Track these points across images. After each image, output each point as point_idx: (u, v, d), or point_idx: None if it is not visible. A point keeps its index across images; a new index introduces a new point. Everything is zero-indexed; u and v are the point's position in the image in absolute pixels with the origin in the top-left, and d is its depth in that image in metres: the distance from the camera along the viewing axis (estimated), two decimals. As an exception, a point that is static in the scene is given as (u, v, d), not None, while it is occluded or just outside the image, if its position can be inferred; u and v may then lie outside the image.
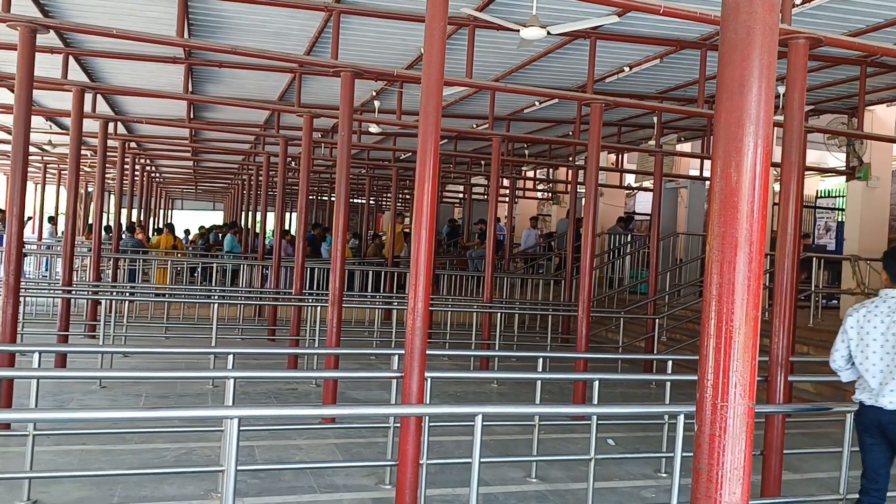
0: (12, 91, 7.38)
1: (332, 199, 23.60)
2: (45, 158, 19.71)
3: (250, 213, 19.24)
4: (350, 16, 7.30)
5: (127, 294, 10.52)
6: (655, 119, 10.98)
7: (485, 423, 3.57)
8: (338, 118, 7.39)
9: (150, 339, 10.20)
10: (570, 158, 14.77)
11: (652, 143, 11.05)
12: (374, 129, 11.76)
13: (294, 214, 28.59)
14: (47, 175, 22.22)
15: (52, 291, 10.71)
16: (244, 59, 8.89)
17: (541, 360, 5.55)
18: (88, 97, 10.31)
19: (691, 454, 2.08)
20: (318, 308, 8.85)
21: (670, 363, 5.99)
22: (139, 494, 4.67)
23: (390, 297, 11.87)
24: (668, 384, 5.56)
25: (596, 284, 13.02)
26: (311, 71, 9.34)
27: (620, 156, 16.27)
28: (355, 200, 24.99)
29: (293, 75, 9.69)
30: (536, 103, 10.89)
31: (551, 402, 7.37)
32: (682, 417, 3.79)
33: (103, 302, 8.94)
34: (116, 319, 8.85)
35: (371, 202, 23.77)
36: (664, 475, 5.61)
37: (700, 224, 14.20)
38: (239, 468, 3.21)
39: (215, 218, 35.68)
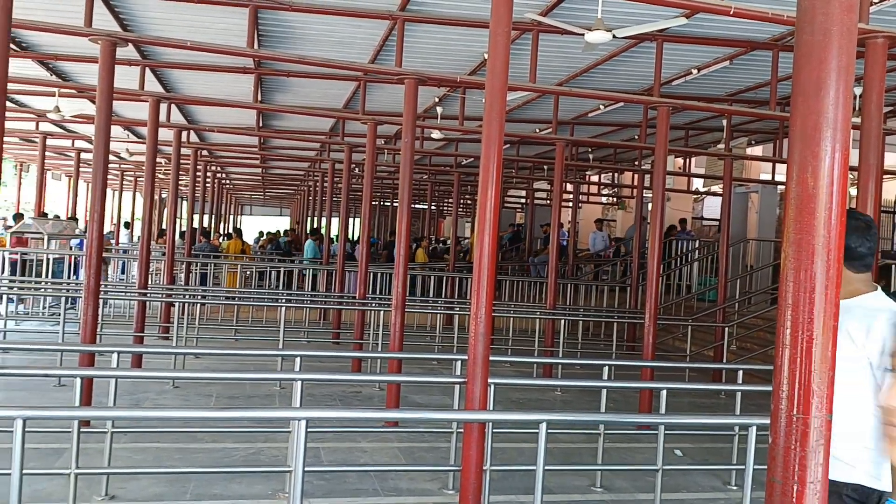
0: (94, 102, 7.75)
1: (395, 204, 23.92)
2: (122, 166, 20.58)
3: (316, 219, 19.62)
4: (414, 23, 7.37)
5: (199, 297, 10.86)
6: (725, 122, 10.70)
7: (549, 431, 3.54)
8: (401, 125, 7.49)
9: (221, 340, 10.49)
10: (636, 162, 14.53)
11: (721, 146, 10.76)
12: (436, 134, 11.83)
13: (357, 220, 29.04)
14: (124, 182, 23.19)
15: (128, 294, 11.15)
16: (311, 68, 9.09)
17: (606, 368, 5.46)
18: (164, 107, 10.73)
19: (764, 467, 2.02)
20: (382, 312, 8.96)
21: (741, 373, 5.82)
22: (210, 492, 4.81)
23: (452, 302, 11.90)
24: (739, 395, 5.40)
25: (663, 291, 12.77)
26: (376, 79, 9.47)
27: (688, 160, 15.93)
28: (417, 206, 25.18)
29: (358, 83, 9.84)
30: (601, 107, 10.76)
31: (616, 411, 7.25)
32: (753, 429, 3.67)
33: (177, 304, 9.26)
34: (189, 321, 9.16)
35: (433, 207, 23.90)
36: (734, 488, 5.44)
37: (772, 229, 13.74)
38: (306, 469, 3.27)
39: (283, 223, 36.52)
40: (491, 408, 4.32)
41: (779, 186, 14.40)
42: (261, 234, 24.46)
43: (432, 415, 4.72)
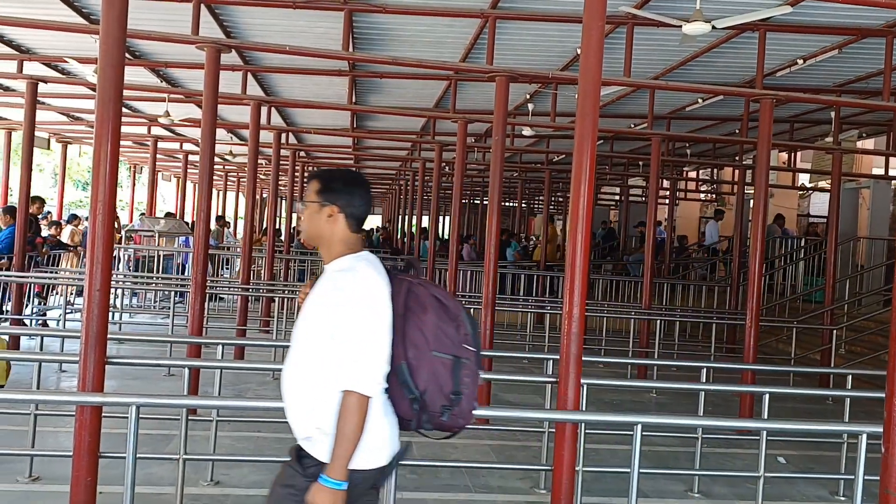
0: (200, 106, 8.15)
1: (485, 202, 23.94)
2: (226, 167, 21.54)
3: (406, 217, 19.90)
4: (506, 21, 7.36)
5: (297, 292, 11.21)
6: (833, 114, 10.12)
7: (644, 434, 3.46)
8: (491, 122, 7.49)
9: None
10: (737, 158, 13.96)
11: (829, 139, 10.18)
12: (527, 131, 11.75)
13: (447, 218, 29.27)
14: (228, 182, 24.27)
15: (231, 289, 11.65)
16: (403, 69, 9.22)
17: (704, 371, 5.28)
18: (264, 110, 11.15)
19: (875, 477, 1.90)
20: (471, 310, 8.99)
21: (850, 378, 5.49)
22: (307, 481, 4.96)
23: (543, 301, 11.80)
24: (848, 401, 5.10)
25: (765, 291, 12.22)
26: (467, 77, 9.51)
27: (793, 154, 15.15)
28: (507, 203, 25.10)
29: (449, 82, 9.91)
30: (699, 100, 10.39)
31: (715, 415, 6.99)
32: (864, 437, 3.46)
33: (276, 299, 9.62)
34: (287, 316, 9.49)
35: (523, 205, 23.78)
36: (842, 498, 5.17)
37: (885, 227, 12.90)
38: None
39: (374, 222, 37.25)
40: (583, 408, 4.26)
41: (893, 182, 13.51)
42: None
43: (524, 413, 4.70)
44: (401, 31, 8.10)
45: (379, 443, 2.26)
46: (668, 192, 16.52)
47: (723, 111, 11.49)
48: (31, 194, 9.36)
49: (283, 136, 13.41)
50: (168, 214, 16.64)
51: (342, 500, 2.13)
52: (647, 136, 10.15)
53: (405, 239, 20.12)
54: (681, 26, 5.95)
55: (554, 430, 4.17)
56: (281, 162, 12.80)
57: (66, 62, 9.06)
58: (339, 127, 14.06)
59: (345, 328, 2.15)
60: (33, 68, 9.75)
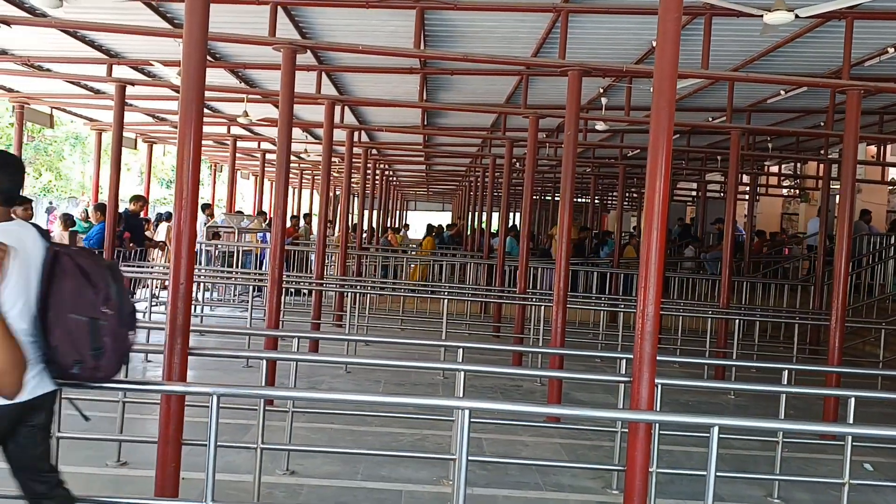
0: (276, 106, 8.38)
1: (557, 198, 23.69)
2: (301, 165, 22.05)
3: (477, 213, 19.91)
4: (578, 14, 7.26)
5: (369, 288, 11.41)
6: (928, 103, 9.56)
7: (721, 436, 3.36)
8: (563, 117, 7.40)
9: (388, 329, 10.95)
10: (822, 151, 13.37)
11: (924, 130, 9.62)
12: (600, 126, 11.57)
13: (518, 214, 29.11)
14: (303, 180, 24.84)
15: (306, 284, 11.92)
16: (474, 65, 9.22)
17: (786, 373, 5.09)
18: (337, 109, 11.36)
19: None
20: (542, 308, 8.93)
21: (947, 384, 5.19)
22: (378, 474, 5.05)
23: (616, 298, 11.61)
24: (944, 408, 4.83)
25: (851, 291, 11.67)
26: (538, 72, 9.43)
27: (882, 147, 14.39)
28: (580, 199, 24.77)
29: (520, 77, 9.85)
30: (782, 92, 10.00)
31: (796, 419, 6.73)
32: (963, 447, 3.26)
33: (348, 295, 9.79)
34: (359, 311, 9.66)
35: (596, 201, 23.39)
36: (938, 512, 4.88)
37: None
38: (469, 458, 3.35)
39: (445, 218, 37.43)
40: (658, 409, 4.17)
41: None
42: (429, 227, 25.32)
43: (597, 413, 4.64)
44: (471, 28, 8.09)
45: None
46: (747, 188, 15.97)
47: (807, 103, 11.01)
48: (134, 194, 9.78)
49: (356, 134, 13.62)
50: (260, 213, 17.15)
51: None
52: (726, 130, 9.84)
53: (474, 235, 20.11)
54: (762, 16, 5.73)
55: (627, 430, 4.10)
56: (353, 160, 13.01)
57: (152, 65, 9.46)
58: (410, 124, 14.18)
59: None
60: (121, 72, 10.21)
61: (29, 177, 27.97)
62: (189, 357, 3.95)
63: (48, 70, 10.65)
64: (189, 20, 4.01)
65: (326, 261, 12.61)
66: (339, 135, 11.71)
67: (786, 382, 5.04)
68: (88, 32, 8.71)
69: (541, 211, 26.04)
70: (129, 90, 10.11)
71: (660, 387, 4.15)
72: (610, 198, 27.71)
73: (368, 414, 5.89)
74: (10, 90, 11.88)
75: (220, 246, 13.89)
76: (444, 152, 18.96)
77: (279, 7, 7.16)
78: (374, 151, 18.25)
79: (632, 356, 4.10)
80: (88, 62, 9.91)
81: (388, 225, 20.66)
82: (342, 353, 8.57)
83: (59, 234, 10.61)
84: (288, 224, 17.95)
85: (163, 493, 3.77)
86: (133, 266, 10.66)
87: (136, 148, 17.07)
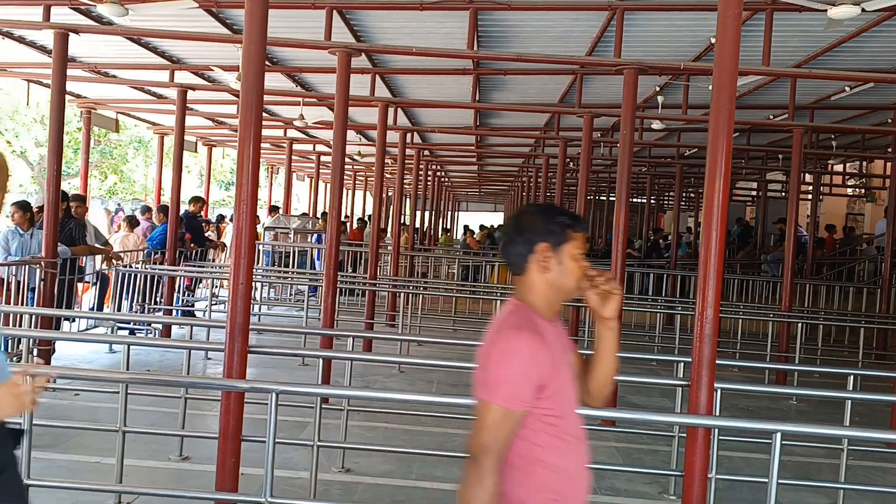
0: (331, 109, 8.53)
1: (611, 198, 23.39)
2: (354, 167, 22.31)
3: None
4: (634, 11, 7.15)
5: (421, 288, 11.48)
6: None
7: (783, 443, 3.27)
8: (618, 116, 7.32)
9: (440, 330, 10.98)
10: (890, 149, 12.85)
11: None
12: (656, 125, 11.38)
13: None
14: (356, 181, 25.14)
15: (359, 284, 12.06)
16: (528, 65, 9.17)
17: (851, 378, 4.91)
18: (391, 111, 11.45)
19: None
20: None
21: None
22: (433, 474, 5.07)
23: (673, 300, 11.40)
24: None
25: (921, 294, 11.20)
26: (593, 71, 9.32)
27: (956, 144, 13.76)
28: (635, 200, 24.40)
29: (574, 76, 9.76)
30: (846, 89, 9.65)
31: (863, 426, 6.49)
32: None
33: (401, 295, 9.87)
34: (412, 311, 9.72)
35: (652, 201, 23.01)
36: None
37: None
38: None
39: (497, 219, 37.36)
40: (717, 413, 4.08)
41: None
42: (482, 227, 25.43)
43: (655, 416, 4.57)
44: (525, 27, 8.06)
45: None
46: (810, 188, 15.49)
47: (873, 99, 10.61)
48: (193, 196, 10.07)
49: (408, 135, 13.71)
50: (324, 214, 17.47)
51: None
52: (788, 128, 9.56)
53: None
54: (826, 10, 5.56)
55: (684, 434, 4.02)
56: (405, 161, 13.10)
57: (212, 70, 9.71)
58: (463, 125, 14.20)
59: None
60: (183, 77, 10.51)
61: (95, 179, 29.05)
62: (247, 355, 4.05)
63: (114, 76, 11.03)
64: (249, 26, 4.11)
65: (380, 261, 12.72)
66: (392, 136, 11.79)
67: (851, 388, 4.87)
68: (152, 39, 9.00)
69: (595, 211, 25.75)
70: (190, 94, 10.40)
71: (719, 391, 4.06)
72: (666, 198, 27.22)
73: (422, 414, 5.92)
74: (78, 96, 12.35)
75: (276, 246, 14.17)
76: (496, 152, 18.92)
77: (335, 11, 7.26)
78: (426, 152, 18.33)
79: (690, 359, 4.03)
80: (151, 68, 10.23)
81: (443, 226, 20.85)
82: (395, 352, 8.64)
83: (123, 237, 10.95)
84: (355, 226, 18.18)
85: (223, 487, 3.87)
86: (194, 266, 10.96)
87: (196, 151, 17.54)
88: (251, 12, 4.09)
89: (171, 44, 9.34)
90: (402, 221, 20.57)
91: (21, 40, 9.10)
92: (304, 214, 18.06)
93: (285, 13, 7.35)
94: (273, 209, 16.29)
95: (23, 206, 7.78)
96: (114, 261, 8.99)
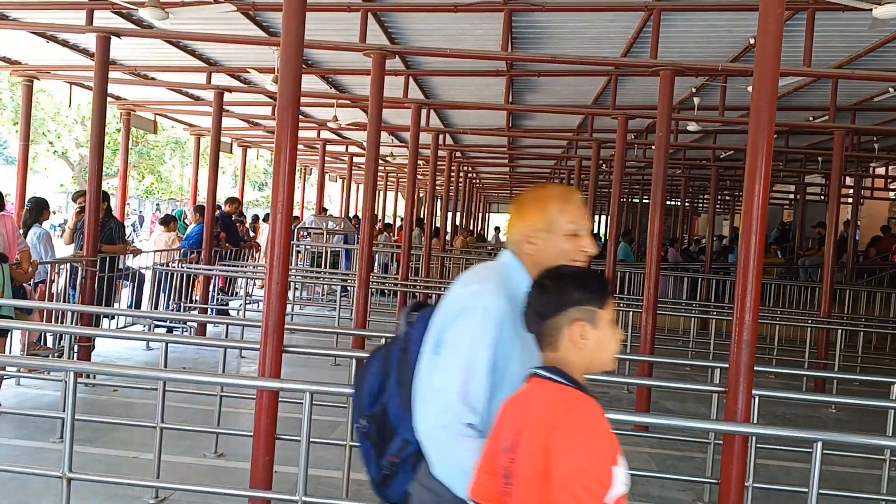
0: (365, 111, 8.57)
1: (644, 200, 23.14)
2: (386, 168, 22.40)
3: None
4: (671, 12, 7.07)
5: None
6: None
7: (823, 452, 3.20)
8: (653, 118, 7.23)
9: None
10: (934, 152, 12.53)
11: None
12: (692, 127, 11.22)
13: (604, 217, 28.60)
14: (388, 182, 25.24)
15: (390, 284, 12.10)
16: (561, 66, 9.12)
17: (894, 387, 4.79)
18: (423, 112, 11.46)
19: None
20: (630, 313, 8.74)
21: None
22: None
23: (707, 305, 11.23)
24: None
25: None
26: (629, 72, 9.23)
27: None
28: (669, 202, 24.12)
29: (608, 78, 9.68)
30: (891, 90, 9.41)
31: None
32: None
33: (432, 295, 9.86)
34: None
35: (686, 204, 22.71)
36: None
37: None
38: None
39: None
40: (755, 421, 4.00)
41: None
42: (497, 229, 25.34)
43: (691, 423, 4.50)
44: (559, 28, 8.01)
45: None
46: (851, 190, 15.15)
47: (919, 100, 10.35)
48: (229, 196, 10.20)
49: (441, 137, 13.72)
50: (355, 217, 17.59)
51: None
52: (829, 130, 9.36)
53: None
54: (871, 10, 5.43)
55: (720, 441, 3.95)
56: (437, 163, 13.11)
57: (248, 72, 9.83)
58: (495, 127, 14.17)
59: None
60: (219, 79, 10.66)
61: (133, 179, 29.62)
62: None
63: (152, 78, 11.23)
64: (286, 29, 4.14)
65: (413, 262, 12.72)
66: (425, 138, 11.81)
67: (895, 398, 4.74)
68: (190, 42, 9.14)
69: (627, 214, 25.51)
70: (226, 96, 10.53)
71: (757, 398, 3.99)
72: (701, 200, 26.86)
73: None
74: (118, 98, 12.60)
75: (308, 247, 14.29)
76: (528, 154, 18.84)
77: (369, 13, 7.30)
78: (457, 154, 18.33)
79: (726, 365, 3.96)
80: (189, 70, 10.39)
81: (469, 228, 20.86)
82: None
83: (157, 237, 11.12)
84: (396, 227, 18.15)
85: (257, 485, 3.90)
86: (229, 265, 11.10)
87: (231, 152, 17.78)
88: (288, 16, 4.12)
89: (208, 46, 9.47)
90: (463, 224, 20.68)
91: (64, 43, 9.31)
92: (347, 217, 18.21)
93: (320, 16, 7.40)
94: (322, 211, 16.48)
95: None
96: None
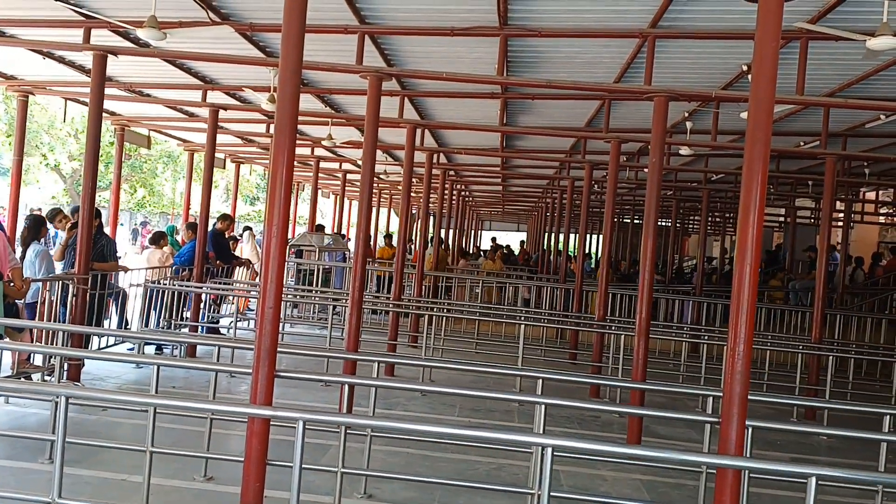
0: (360, 130, 8.59)
1: (635, 221, 23.23)
2: (379, 185, 22.43)
3: (553, 235, 19.74)
4: (665, 39, 7.14)
5: (444, 310, 11.45)
6: None
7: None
8: (645, 141, 7.28)
9: (463, 352, 10.91)
10: (923, 178, 12.65)
11: None
12: (684, 151, 11.31)
13: (595, 237, 28.70)
14: (381, 199, 25.24)
15: (382, 305, 12.05)
16: (555, 90, 9.17)
17: (887, 419, 4.80)
18: (418, 132, 11.50)
19: None
20: (622, 336, 8.74)
21: None
22: (456, 502, 5.02)
23: (698, 328, 11.25)
24: None
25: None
26: (622, 97, 9.31)
27: None
28: (660, 223, 24.22)
29: (601, 102, 9.75)
30: (882, 117, 9.52)
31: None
32: None
33: (425, 316, 9.85)
34: (435, 332, 9.68)
35: (677, 225, 22.82)
36: None
37: None
38: (551, 494, 3.29)
39: (519, 238, 37.27)
40: (748, 453, 3.99)
41: None
42: (494, 245, 25.33)
43: (684, 456, 4.46)
44: (554, 53, 8.08)
45: None
46: (841, 214, 15.27)
47: (908, 128, 10.46)
48: (221, 213, 10.16)
49: (435, 156, 13.75)
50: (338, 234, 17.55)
51: None
52: (821, 156, 9.44)
53: (550, 257, 19.94)
54: (864, 41, 5.50)
55: (713, 470, 3.94)
56: (431, 181, 13.12)
57: (244, 91, 9.85)
58: (489, 147, 14.23)
59: None
60: (215, 97, 10.67)
61: (125, 193, 29.51)
62: (274, 378, 4.04)
63: (148, 95, 11.23)
64: (285, 52, 4.15)
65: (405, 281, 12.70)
66: (419, 156, 11.84)
67: (887, 429, 4.74)
68: (187, 61, 9.15)
69: (619, 233, 25.60)
70: (221, 113, 10.54)
71: (750, 429, 3.98)
72: (691, 221, 26.99)
73: (445, 442, 5.88)
74: (112, 113, 12.58)
75: (300, 264, 14.24)
76: (521, 174, 18.92)
77: (366, 35, 7.34)
78: (451, 173, 18.37)
79: (719, 393, 3.95)
80: (185, 88, 10.40)
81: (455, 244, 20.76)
82: (418, 374, 8.61)
83: (150, 255, 11.03)
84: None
85: (247, 511, 3.85)
86: (218, 283, 11.04)
87: (224, 167, 17.76)
88: (287, 38, 4.13)
89: (205, 65, 9.49)
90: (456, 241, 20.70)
91: (61, 60, 9.31)
92: (337, 234, 18.17)
93: (317, 37, 7.43)
94: (318, 228, 16.42)
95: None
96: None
